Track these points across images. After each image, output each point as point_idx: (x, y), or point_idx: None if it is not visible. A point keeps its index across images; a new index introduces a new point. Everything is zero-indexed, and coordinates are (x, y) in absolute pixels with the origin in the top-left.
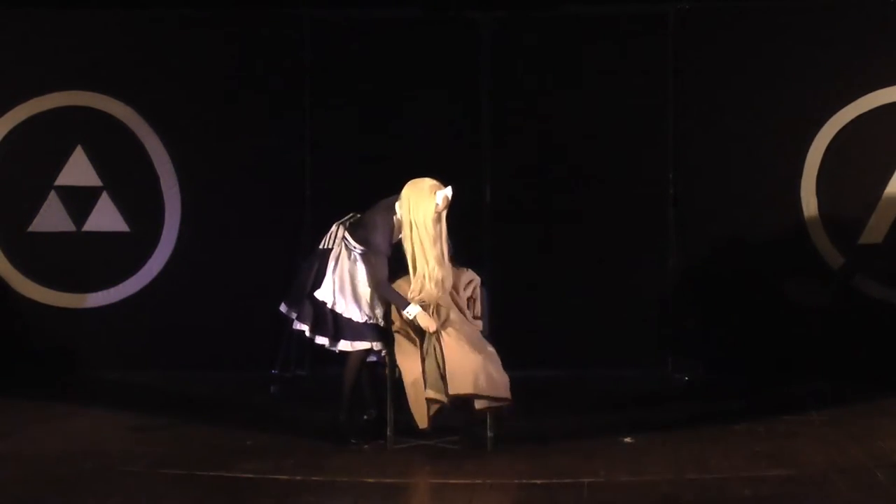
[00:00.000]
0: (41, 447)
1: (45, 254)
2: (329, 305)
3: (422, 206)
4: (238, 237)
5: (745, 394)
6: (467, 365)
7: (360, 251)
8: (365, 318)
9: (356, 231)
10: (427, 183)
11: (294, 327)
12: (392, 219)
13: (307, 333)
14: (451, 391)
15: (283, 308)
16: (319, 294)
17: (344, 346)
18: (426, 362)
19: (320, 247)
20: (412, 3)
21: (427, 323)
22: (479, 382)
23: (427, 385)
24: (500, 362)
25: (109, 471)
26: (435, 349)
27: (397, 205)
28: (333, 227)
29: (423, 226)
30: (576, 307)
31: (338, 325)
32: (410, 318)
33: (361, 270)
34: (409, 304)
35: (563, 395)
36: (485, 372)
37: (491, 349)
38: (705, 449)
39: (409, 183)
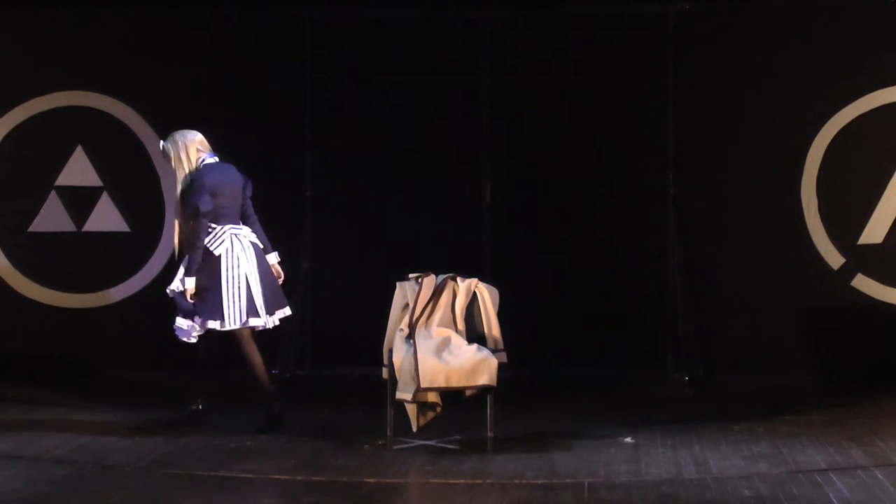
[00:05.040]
0: (41, 447)
1: (45, 254)
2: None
3: (189, 144)
4: None
5: (745, 394)
6: (439, 362)
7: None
8: None
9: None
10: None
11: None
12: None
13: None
14: (423, 384)
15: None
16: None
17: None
18: (403, 365)
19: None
20: (412, 3)
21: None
22: (451, 376)
23: (398, 387)
24: (486, 352)
25: (109, 471)
26: (414, 350)
27: (174, 162)
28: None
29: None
30: (576, 307)
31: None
32: (186, 287)
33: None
34: (195, 275)
35: (563, 395)
36: (458, 368)
37: (469, 346)
38: (705, 449)
39: (173, 138)
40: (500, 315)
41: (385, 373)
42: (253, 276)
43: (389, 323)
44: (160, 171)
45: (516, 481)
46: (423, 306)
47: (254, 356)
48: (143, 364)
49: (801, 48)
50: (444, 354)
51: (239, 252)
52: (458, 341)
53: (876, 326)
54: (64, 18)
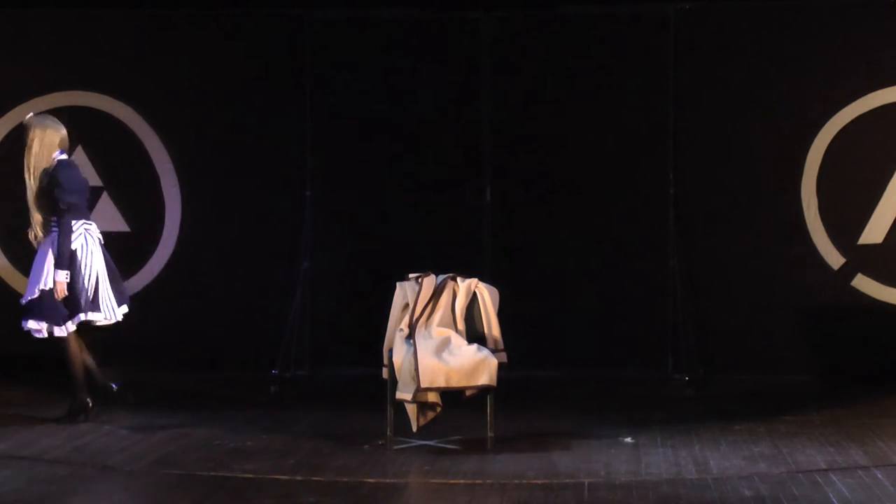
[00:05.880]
0: (41, 447)
1: None
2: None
3: (52, 137)
4: (238, 237)
5: (745, 394)
6: (439, 362)
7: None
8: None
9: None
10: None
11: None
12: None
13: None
14: (423, 384)
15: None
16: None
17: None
18: (403, 365)
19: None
20: (412, 3)
21: (62, 291)
22: (451, 376)
23: (398, 387)
24: (486, 352)
25: (109, 471)
26: (414, 350)
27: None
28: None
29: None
30: (576, 307)
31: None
32: (58, 280)
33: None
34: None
35: (564, 395)
36: (458, 368)
37: (469, 346)
38: (705, 449)
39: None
40: (500, 315)
41: (385, 373)
42: (102, 272)
43: (389, 323)
44: (160, 171)
45: (516, 481)
46: (423, 306)
47: (72, 345)
48: (143, 364)
49: (801, 48)
50: (444, 354)
51: (92, 247)
52: (458, 341)
53: (876, 326)
54: (64, 18)
